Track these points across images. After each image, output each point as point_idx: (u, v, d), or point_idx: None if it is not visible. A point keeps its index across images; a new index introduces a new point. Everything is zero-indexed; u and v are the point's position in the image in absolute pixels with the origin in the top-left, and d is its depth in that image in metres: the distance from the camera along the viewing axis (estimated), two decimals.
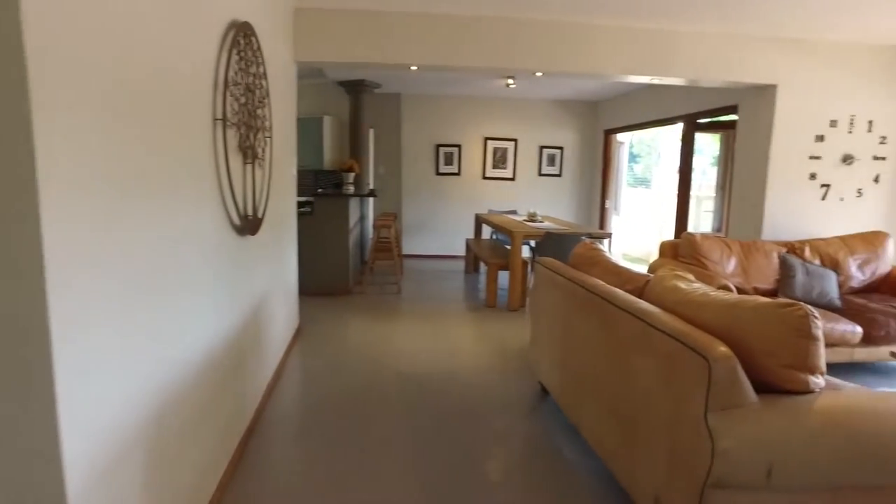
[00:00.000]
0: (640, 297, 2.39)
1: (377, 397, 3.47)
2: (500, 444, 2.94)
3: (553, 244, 5.41)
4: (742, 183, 5.21)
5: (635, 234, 9.88)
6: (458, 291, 6.61)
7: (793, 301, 1.73)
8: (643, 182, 11.25)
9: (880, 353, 3.92)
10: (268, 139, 3.15)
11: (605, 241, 5.49)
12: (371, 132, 8.29)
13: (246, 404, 2.87)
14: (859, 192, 5.03)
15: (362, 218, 7.69)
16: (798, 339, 1.66)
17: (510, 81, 6.80)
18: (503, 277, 6.07)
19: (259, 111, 2.89)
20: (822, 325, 1.72)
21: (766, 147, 4.85)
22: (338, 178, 8.01)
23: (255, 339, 3.09)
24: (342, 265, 6.15)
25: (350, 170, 7.27)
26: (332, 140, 7.82)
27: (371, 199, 8.18)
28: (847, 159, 4.93)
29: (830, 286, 4.27)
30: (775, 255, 4.45)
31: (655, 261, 4.65)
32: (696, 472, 1.64)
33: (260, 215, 2.99)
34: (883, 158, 4.99)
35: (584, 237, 5.38)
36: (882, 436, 1.72)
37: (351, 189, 7.26)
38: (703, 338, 1.71)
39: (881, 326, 3.87)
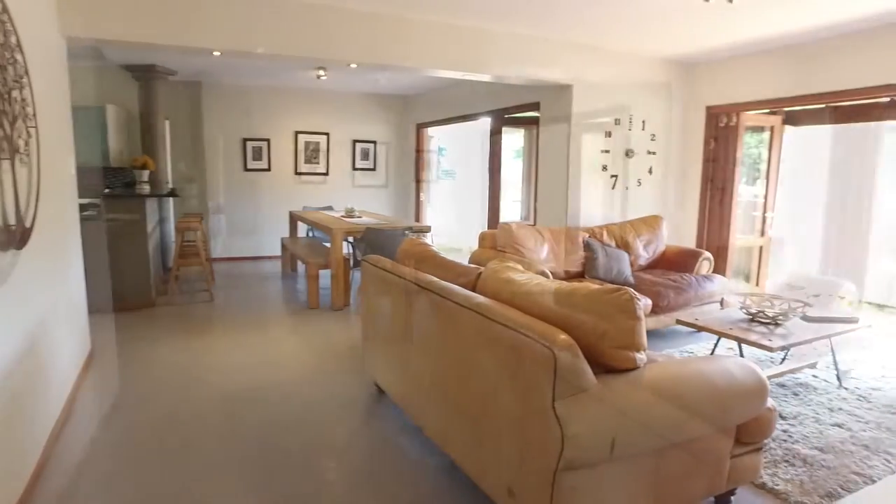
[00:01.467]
0: (473, 290, 2.39)
1: (195, 423, 3.08)
2: (340, 453, 2.78)
3: (374, 239, 5.33)
4: (547, 174, 5.62)
5: (449, 225, 10.23)
6: (277, 294, 6.23)
7: (619, 286, 1.83)
8: (450, 174, 11.66)
9: (666, 321, 4.47)
10: (32, 129, 2.59)
11: (427, 235, 5.53)
12: (167, 124, 7.44)
13: (25, 460, 2.35)
14: (639, 182, 5.71)
15: (162, 220, 6.89)
16: (627, 320, 1.77)
17: (321, 73, 6.54)
18: (324, 277, 5.85)
19: (15, 93, 2.35)
20: (643, 305, 1.85)
21: (566, 141, 5.27)
22: (129, 177, 7.09)
23: (33, 376, 2.54)
24: (142, 275, 5.43)
25: (144, 166, 6.45)
26: (118, 133, 6.87)
27: (171, 200, 7.36)
28: (629, 153, 5.57)
29: (625, 265, 4.78)
30: (580, 239, 4.86)
31: (476, 251, 4.81)
32: (547, 460, 1.66)
33: (28, 224, 2.45)
34: (654, 153, 5.73)
35: (406, 232, 5.38)
36: (690, 394, 1.92)
37: (146, 188, 6.46)
38: (546, 328, 1.74)
39: (664, 297, 4.41)
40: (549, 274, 3.97)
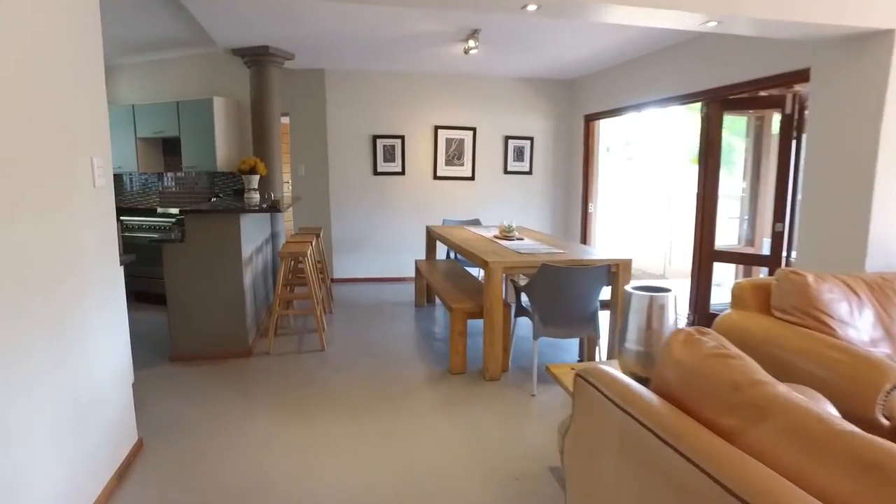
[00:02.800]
0: None
1: None
2: None
3: (552, 282, 3.54)
4: (820, 183, 3.50)
5: (619, 243, 8.20)
6: (408, 342, 4.67)
7: None
8: (622, 176, 9.60)
9: None
10: None
11: (670, 295, 3.33)
12: (283, 121, 6.23)
13: None
14: None
15: (275, 236, 5.64)
16: None
17: (472, 45, 4.90)
18: (473, 324, 4.20)
19: None
20: None
21: (874, 126, 3.14)
22: (238, 183, 5.94)
23: None
24: (233, 314, 4.11)
25: (253, 170, 5.22)
26: (227, 130, 5.73)
27: (280, 213, 6.13)
28: None
29: None
30: None
31: (730, 315, 2.85)
32: None
33: None
34: None
35: (607, 267, 3.54)
36: None
37: (254, 197, 5.22)
38: None
39: None
40: None
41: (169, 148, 6.18)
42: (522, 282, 4.01)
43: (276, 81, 5.55)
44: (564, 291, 3.52)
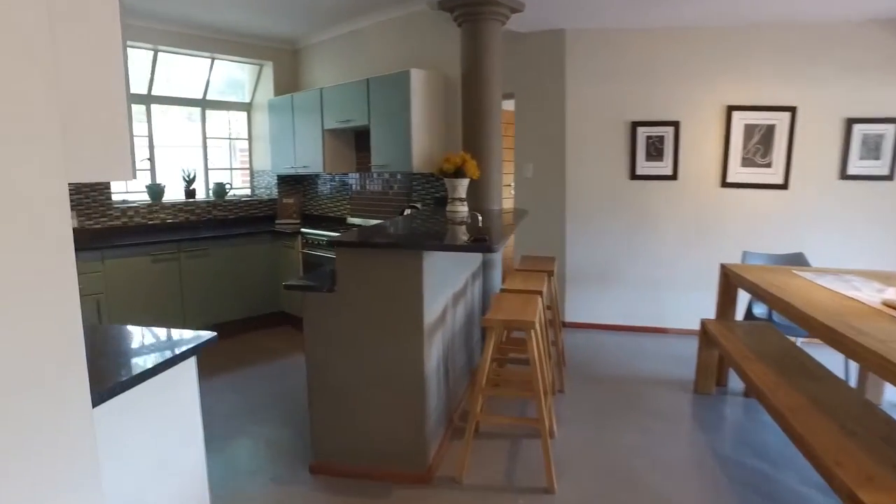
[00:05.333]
0: None
1: None
2: None
3: None
4: None
5: None
6: (701, 481, 2.54)
7: None
8: None
9: None
10: None
11: None
12: (509, 106, 4.50)
13: None
14: None
15: (486, 265, 3.94)
16: None
17: None
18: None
19: None
20: None
21: None
22: (438, 187, 4.37)
23: None
24: (407, 415, 2.44)
25: (460, 172, 3.60)
26: (427, 113, 4.16)
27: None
28: None
29: None
30: None
31: None
32: None
33: None
34: None
35: None
36: None
37: (460, 212, 3.61)
38: None
39: None
40: None
41: (361, 142, 4.85)
42: None
43: (497, 45, 3.81)
44: None
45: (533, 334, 2.40)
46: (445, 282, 2.75)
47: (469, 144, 3.86)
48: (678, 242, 4.67)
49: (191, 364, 1.61)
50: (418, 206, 4.35)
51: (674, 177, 4.62)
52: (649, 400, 3.42)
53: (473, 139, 3.86)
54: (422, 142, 4.04)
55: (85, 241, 4.17)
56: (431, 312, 2.48)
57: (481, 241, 2.24)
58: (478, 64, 3.81)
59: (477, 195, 3.86)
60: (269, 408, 3.31)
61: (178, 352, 1.51)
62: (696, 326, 3.75)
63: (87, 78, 1.06)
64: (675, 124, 4.56)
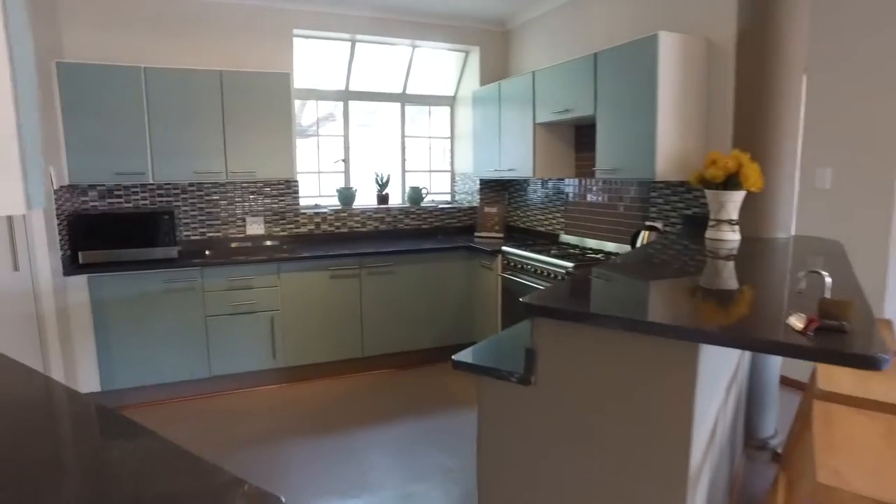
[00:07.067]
0: None
1: None
2: None
3: None
4: None
5: None
6: None
7: None
8: None
9: None
10: None
11: None
12: (803, 79, 3.07)
13: None
14: None
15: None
16: None
17: None
18: None
19: None
20: None
21: None
22: (688, 200, 3.13)
23: None
24: None
25: (732, 180, 2.39)
26: (679, 97, 2.91)
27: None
28: None
29: None
30: None
31: None
32: None
33: None
34: None
35: None
36: None
37: (729, 240, 2.40)
38: None
39: None
40: None
41: (583, 139, 3.77)
42: None
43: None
44: None
45: None
46: (717, 380, 1.59)
47: (745, 140, 2.58)
48: None
49: None
50: (658, 226, 3.13)
51: None
52: None
53: (753, 133, 2.57)
54: (671, 138, 2.84)
55: (264, 251, 3.79)
56: (700, 438, 1.36)
57: (835, 333, 1.06)
58: (766, 18, 2.51)
59: (754, 215, 2.57)
60: (431, 488, 2.45)
61: None
62: None
63: None
64: None
